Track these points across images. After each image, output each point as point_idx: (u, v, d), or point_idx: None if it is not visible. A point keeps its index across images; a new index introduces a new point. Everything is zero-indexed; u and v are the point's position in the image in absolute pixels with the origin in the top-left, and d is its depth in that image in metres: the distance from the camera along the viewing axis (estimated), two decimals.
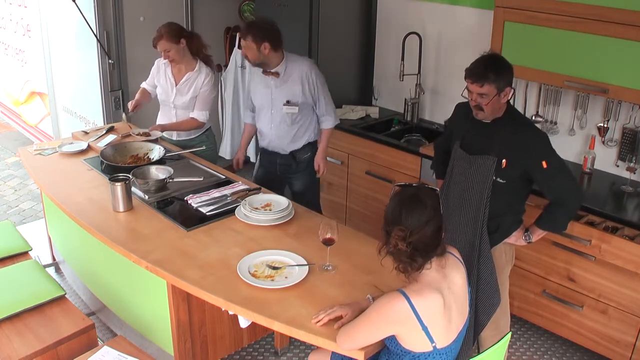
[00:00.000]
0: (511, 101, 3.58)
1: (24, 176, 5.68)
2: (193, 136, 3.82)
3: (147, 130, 3.67)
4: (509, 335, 2.12)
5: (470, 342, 2.66)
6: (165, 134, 3.82)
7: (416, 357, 1.89)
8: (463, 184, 2.63)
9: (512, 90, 2.51)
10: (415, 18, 4.06)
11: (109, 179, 2.91)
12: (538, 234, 2.64)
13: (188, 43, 3.59)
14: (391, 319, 1.85)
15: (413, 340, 1.86)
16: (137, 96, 3.81)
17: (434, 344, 1.86)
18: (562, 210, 2.55)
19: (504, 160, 2.51)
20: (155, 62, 3.80)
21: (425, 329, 1.82)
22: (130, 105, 3.75)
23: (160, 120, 3.85)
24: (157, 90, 3.78)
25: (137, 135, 3.65)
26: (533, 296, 3.23)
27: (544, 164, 2.46)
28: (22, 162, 3.60)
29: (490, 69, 2.43)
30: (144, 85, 3.88)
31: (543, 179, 2.51)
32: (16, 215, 4.97)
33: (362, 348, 1.98)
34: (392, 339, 1.90)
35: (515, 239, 2.68)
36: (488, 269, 2.62)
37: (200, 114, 3.68)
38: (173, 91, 3.68)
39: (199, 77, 3.63)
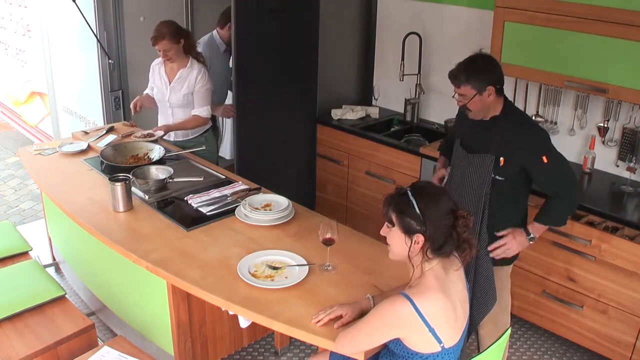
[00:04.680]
0: (511, 100, 3.60)
1: (24, 176, 5.68)
2: (192, 136, 3.82)
3: (151, 131, 3.67)
4: (509, 331, 2.12)
5: (465, 340, 2.65)
6: (141, 140, 3.80)
7: (425, 358, 1.88)
8: (462, 182, 2.63)
9: (496, 88, 2.48)
10: (415, 18, 4.06)
11: (109, 179, 2.91)
12: (538, 230, 2.61)
13: (184, 42, 3.61)
14: (395, 322, 1.84)
15: (420, 342, 1.85)
16: (137, 97, 3.81)
17: (441, 344, 1.86)
18: (560, 203, 2.53)
19: (501, 158, 2.51)
20: (151, 66, 3.81)
21: (432, 330, 1.82)
22: (132, 107, 3.74)
23: (160, 120, 3.86)
24: (154, 91, 3.79)
25: (140, 137, 3.65)
26: (533, 296, 3.23)
27: (545, 159, 2.46)
28: (22, 162, 3.60)
29: (464, 70, 2.46)
30: (147, 92, 3.90)
31: (542, 173, 2.50)
32: (16, 215, 4.97)
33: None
34: (397, 341, 1.89)
35: (518, 246, 2.62)
36: (485, 269, 2.61)
37: (201, 110, 3.71)
38: (167, 89, 3.69)
39: (192, 73, 3.66)
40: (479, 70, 2.46)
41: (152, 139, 3.61)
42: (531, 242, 2.61)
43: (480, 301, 2.65)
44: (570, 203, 2.55)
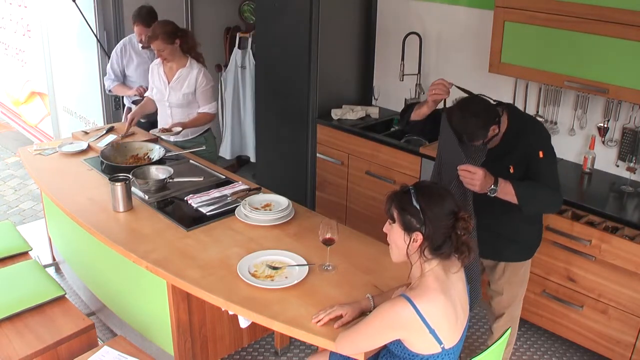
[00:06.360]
0: (511, 102, 3.59)
1: (24, 176, 5.68)
2: (191, 137, 3.82)
3: (167, 127, 3.66)
4: (510, 330, 2.13)
5: None
6: (163, 136, 3.82)
7: (425, 359, 1.88)
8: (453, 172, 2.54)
9: (497, 122, 2.39)
10: (415, 18, 4.06)
11: (109, 179, 2.91)
12: (505, 191, 2.36)
13: (181, 43, 3.61)
14: (395, 324, 1.84)
15: (421, 344, 1.86)
16: (136, 109, 3.81)
17: (442, 345, 1.86)
18: (549, 193, 2.42)
19: (510, 167, 2.44)
20: (150, 67, 3.81)
21: (432, 331, 1.82)
22: (128, 121, 3.75)
23: (159, 120, 3.86)
24: (153, 91, 3.79)
25: (159, 132, 3.64)
26: (533, 296, 3.23)
27: (541, 154, 2.40)
28: (22, 162, 3.60)
29: (467, 135, 2.34)
30: (147, 94, 3.90)
31: (537, 168, 2.43)
32: (16, 215, 4.97)
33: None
34: (398, 343, 1.89)
35: (480, 185, 2.34)
36: (473, 270, 2.46)
37: (209, 107, 3.74)
38: (167, 89, 3.69)
39: (191, 72, 3.66)
40: (474, 129, 2.34)
41: (171, 134, 3.60)
42: (488, 193, 2.36)
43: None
44: (556, 200, 2.46)
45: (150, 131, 3.76)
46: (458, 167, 2.34)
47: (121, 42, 4.29)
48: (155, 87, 3.77)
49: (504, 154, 2.46)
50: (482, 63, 3.51)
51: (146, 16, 4.04)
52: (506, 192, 2.37)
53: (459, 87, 2.56)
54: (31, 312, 2.69)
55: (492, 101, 2.48)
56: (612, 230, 2.89)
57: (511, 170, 2.45)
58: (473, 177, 2.31)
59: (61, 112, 5.61)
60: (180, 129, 3.62)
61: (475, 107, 2.37)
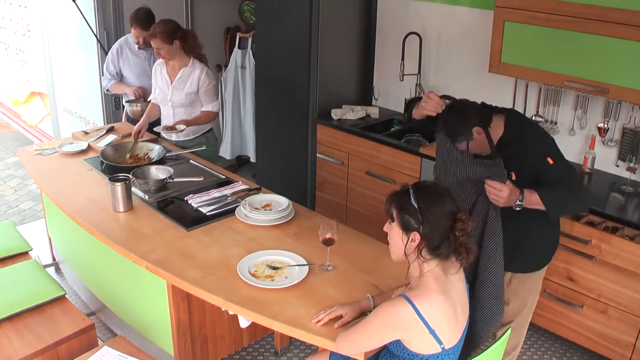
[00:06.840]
0: (511, 102, 3.60)
1: (24, 176, 5.68)
2: (192, 136, 3.82)
3: (172, 125, 3.65)
4: (509, 331, 2.13)
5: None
6: (164, 135, 3.82)
7: (425, 359, 1.88)
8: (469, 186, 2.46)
9: (481, 125, 2.36)
10: (415, 18, 4.06)
11: (109, 179, 2.91)
12: (531, 201, 2.32)
13: (181, 44, 3.60)
14: (395, 324, 1.84)
15: (421, 344, 1.86)
16: (142, 119, 3.79)
17: (442, 345, 1.86)
18: (572, 195, 2.37)
19: (512, 173, 2.38)
20: (152, 69, 3.82)
21: (432, 331, 1.82)
22: (134, 134, 3.71)
23: (162, 121, 3.86)
24: (156, 92, 3.79)
25: (162, 131, 3.66)
26: None
27: (550, 160, 2.37)
28: (22, 162, 3.60)
29: (447, 134, 2.37)
30: (151, 99, 3.90)
31: (550, 175, 2.37)
32: (16, 215, 4.97)
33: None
34: (397, 343, 1.89)
35: (506, 200, 2.27)
36: (497, 286, 2.39)
37: (212, 106, 3.76)
38: (170, 89, 3.69)
39: (194, 72, 3.66)
40: (453, 128, 2.36)
41: (175, 132, 3.61)
42: (513, 207, 2.33)
43: (486, 316, 2.42)
44: (581, 198, 2.43)
45: (155, 128, 3.77)
46: (485, 182, 2.30)
47: (117, 42, 4.29)
48: (157, 88, 3.77)
49: (504, 161, 2.40)
50: (482, 63, 3.51)
51: (143, 18, 4.04)
52: (532, 202, 2.33)
53: (448, 98, 2.54)
54: (31, 312, 2.69)
55: (491, 107, 2.47)
56: (612, 230, 2.89)
57: (513, 177, 2.40)
58: (499, 194, 2.26)
59: (61, 112, 5.61)
60: (184, 126, 3.62)
61: (464, 105, 2.40)
